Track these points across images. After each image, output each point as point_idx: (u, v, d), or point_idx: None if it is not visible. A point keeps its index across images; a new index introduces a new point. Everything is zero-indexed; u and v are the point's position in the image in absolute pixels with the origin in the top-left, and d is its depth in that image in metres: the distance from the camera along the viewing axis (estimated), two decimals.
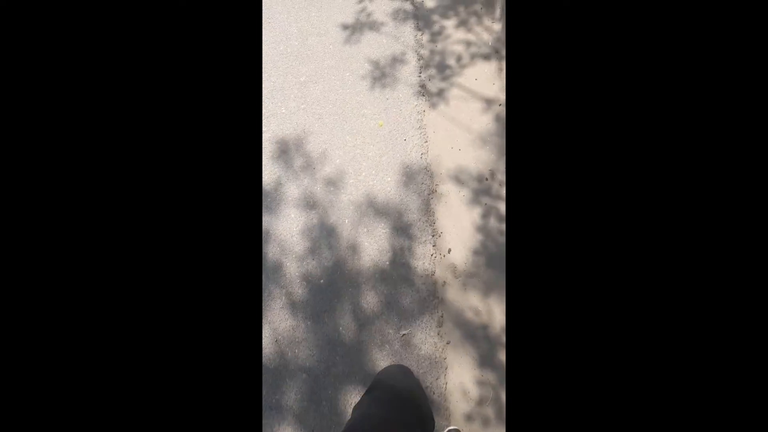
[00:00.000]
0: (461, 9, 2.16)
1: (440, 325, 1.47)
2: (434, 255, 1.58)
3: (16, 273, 0.33)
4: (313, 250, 1.63)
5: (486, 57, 1.99)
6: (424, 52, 2.06)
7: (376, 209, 1.68)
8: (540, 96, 0.38)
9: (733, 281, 0.32)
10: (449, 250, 1.60)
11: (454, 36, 2.08)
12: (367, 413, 0.64)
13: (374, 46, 2.10)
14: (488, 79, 1.92)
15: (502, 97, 1.87)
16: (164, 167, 0.36)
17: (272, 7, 2.34)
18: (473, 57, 2.00)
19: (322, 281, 1.57)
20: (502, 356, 1.40)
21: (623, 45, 0.36)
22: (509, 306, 0.40)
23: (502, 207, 1.66)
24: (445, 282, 1.54)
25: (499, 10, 2.07)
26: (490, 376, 1.37)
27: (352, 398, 1.39)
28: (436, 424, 1.24)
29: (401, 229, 1.63)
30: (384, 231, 1.63)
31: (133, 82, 0.36)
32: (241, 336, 0.37)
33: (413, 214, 1.66)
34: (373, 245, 1.61)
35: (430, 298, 1.51)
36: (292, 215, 1.71)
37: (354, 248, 1.62)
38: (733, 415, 0.31)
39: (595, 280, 0.36)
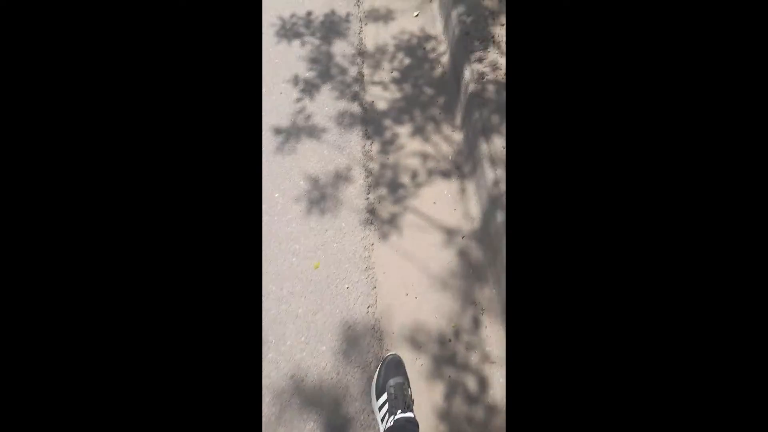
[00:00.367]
0: (417, 113, 1.88)
1: None
2: None
3: (16, 273, 0.33)
4: None
5: (445, 174, 1.67)
6: (374, 166, 1.72)
7: (304, 398, 1.23)
8: (541, 97, 0.38)
9: (731, 281, 0.33)
10: None
11: (409, 146, 1.77)
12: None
13: (313, 158, 1.75)
14: (448, 204, 1.59)
15: (465, 227, 1.53)
16: (162, 167, 0.37)
17: None
18: (431, 174, 1.68)
19: None
20: None
21: (623, 45, 0.36)
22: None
23: (470, 382, 1.26)
24: None
25: (459, 116, 1.80)
26: None
27: None
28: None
29: (338, 428, 1.18)
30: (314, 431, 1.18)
31: (129, 82, 0.36)
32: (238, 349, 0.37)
33: (355, 402, 1.22)
34: None
35: None
36: None
37: None
38: (732, 414, 0.32)
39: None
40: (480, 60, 1.76)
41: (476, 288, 1.42)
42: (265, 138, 1.84)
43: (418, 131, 1.80)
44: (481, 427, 1.20)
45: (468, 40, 1.83)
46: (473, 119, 1.64)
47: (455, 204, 1.59)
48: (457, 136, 1.77)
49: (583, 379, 0.35)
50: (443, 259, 1.47)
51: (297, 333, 1.34)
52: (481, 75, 1.70)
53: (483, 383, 1.26)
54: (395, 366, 1.10)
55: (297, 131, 1.85)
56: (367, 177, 1.68)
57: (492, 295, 1.39)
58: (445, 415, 1.22)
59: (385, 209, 1.59)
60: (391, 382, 1.04)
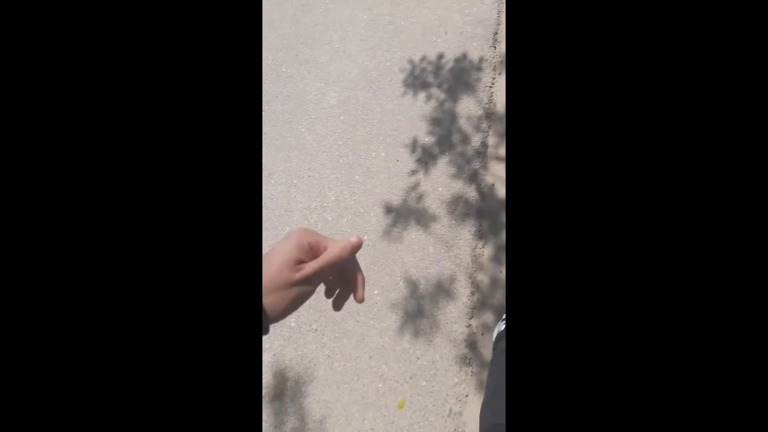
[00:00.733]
0: None
1: None
2: None
3: (15, 273, 0.33)
4: None
5: None
6: (483, 278, 1.50)
7: None
8: (541, 99, 0.37)
9: (731, 281, 0.33)
10: None
11: None
12: None
13: (418, 253, 1.60)
14: None
15: None
16: (160, 168, 0.36)
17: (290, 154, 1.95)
18: None
19: None
20: None
21: (624, 46, 0.36)
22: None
23: None
24: None
25: None
26: None
27: None
28: None
29: None
30: None
31: (127, 82, 0.36)
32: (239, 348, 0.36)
33: None
34: None
35: None
36: None
37: None
38: (732, 414, 0.32)
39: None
40: None
41: None
42: (375, 215, 1.73)
43: None
44: None
45: None
46: None
47: None
48: None
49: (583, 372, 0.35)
50: None
51: None
52: None
53: None
54: None
55: (407, 214, 1.70)
56: (473, 294, 1.48)
57: None
58: None
59: (488, 345, 1.39)
60: None
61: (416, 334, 1.45)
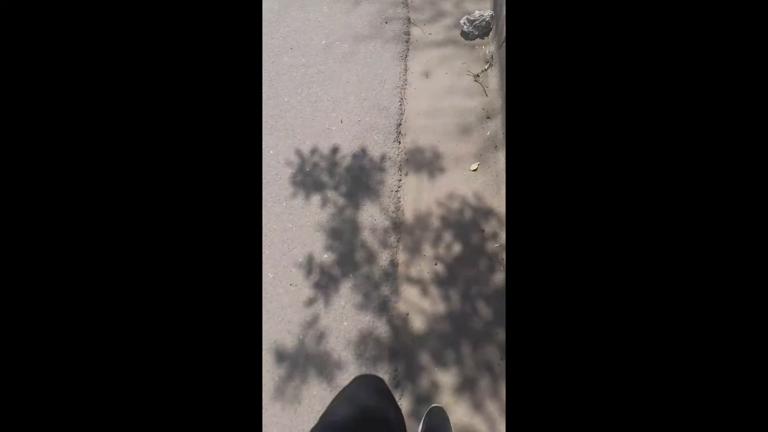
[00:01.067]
0: (466, 350, 1.38)
1: None
2: None
3: (15, 273, 0.33)
4: None
5: None
6: None
7: None
8: (541, 100, 0.38)
9: (731, 282, 0.33)
10: None
11: (454, 413, 1.28)
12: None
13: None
14: None
15: None
16: (159, 168, 0.37)
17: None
18: None
19: None
20: None
21: (624, 46, 0.36)
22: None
23: None
24: None
25: None
26: None
27: None
28: None
29: None
30: None
31: (126, 82, 0.37)
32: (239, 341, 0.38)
33: None
34: None
35: None
36: None
37: None
38: (732, 414, 0.31)
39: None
40: None
41: None
42: (265, 364, 1.37)
43: (467, 388, 1.31)
44: None
45: None
46: None
47: None
48: None
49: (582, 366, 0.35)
50: None
51: None
52: None
53: None
54: None
55: (304, 361, 1.38)
56: None
57: None
58: None
59: None
60: None
61: None
